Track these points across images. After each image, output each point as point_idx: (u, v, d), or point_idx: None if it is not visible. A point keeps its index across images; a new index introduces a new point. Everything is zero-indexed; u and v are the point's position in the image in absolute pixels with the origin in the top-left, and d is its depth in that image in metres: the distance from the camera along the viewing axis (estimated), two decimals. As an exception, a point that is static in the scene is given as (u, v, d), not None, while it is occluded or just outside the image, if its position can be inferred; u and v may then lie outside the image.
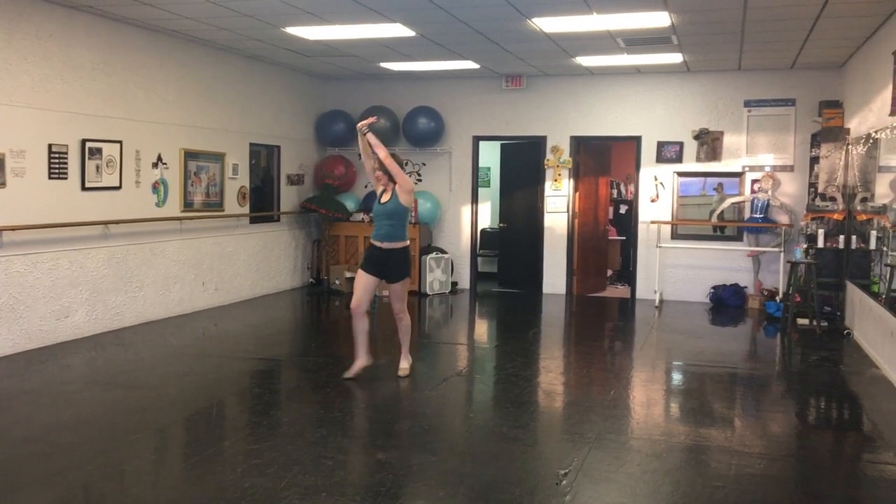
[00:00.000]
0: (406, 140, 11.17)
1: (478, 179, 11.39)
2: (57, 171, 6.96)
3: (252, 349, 7.26)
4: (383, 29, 7.68)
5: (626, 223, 11.79)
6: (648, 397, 5.95)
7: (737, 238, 10.28)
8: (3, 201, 6.44)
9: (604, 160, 11.45)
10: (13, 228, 6.48)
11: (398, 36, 8.01)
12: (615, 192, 12.46)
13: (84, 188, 7.24)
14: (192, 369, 6.36)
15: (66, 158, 7.05)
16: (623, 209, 12.35)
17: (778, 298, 9.49)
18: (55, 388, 5.82)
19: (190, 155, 8.69)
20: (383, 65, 9.96)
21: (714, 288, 10.22)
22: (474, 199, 11.27)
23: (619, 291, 11.41)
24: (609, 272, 11.89)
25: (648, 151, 10.50)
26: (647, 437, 4.89)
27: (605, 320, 9.71)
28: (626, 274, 11.59)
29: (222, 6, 6.89)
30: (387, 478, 4.08)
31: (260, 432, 4.91)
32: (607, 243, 11.70)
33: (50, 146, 6.89)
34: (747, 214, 10.04)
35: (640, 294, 10.63)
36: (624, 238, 12.03)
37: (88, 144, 7.26)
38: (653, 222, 10.40)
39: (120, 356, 6.84)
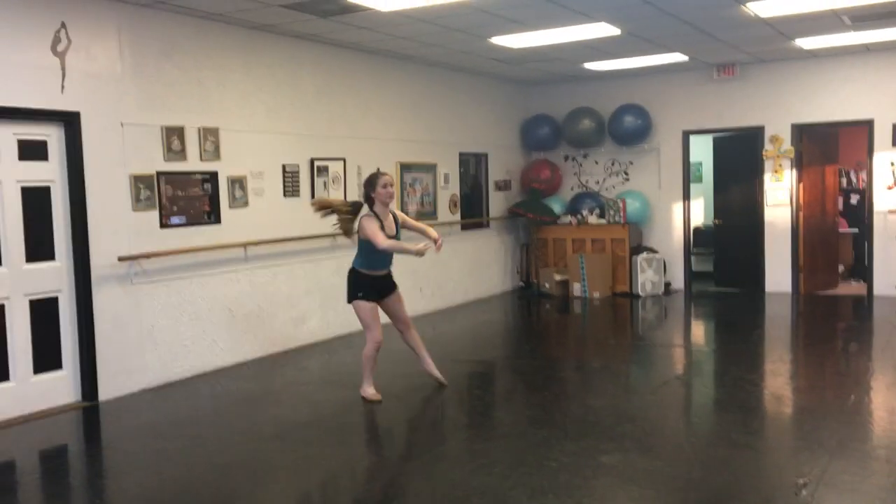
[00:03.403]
0: (612, 139, 11.02)
1: (689, 175, 10.99)
2: (290, 189, 7.59)
3: (468, 352, 7.48)
4: (588, 30, 7.64)
5: (859, 214, 10.86)
6: (894, 403, 5.45)
7: None
8: (246, 219, 7.12)
9: (830, 147, 10.63)
10: (256, 243, 7.15)
11: (603, 35, 7.92)
12: (844, 180, 11.51)
13: (314, 204, 7.85)
14: (415, 371, 6.64)
15: (297, 177, 7.67)
16: (854, 199, 11.38)
17: None
18: (296, 389, 6.35)
19: (405, 167, 9.13)
20: (587, 65, 9.90)
21: (968, 282, 9.15)
22: (686, 196, 10.87)
23: (852, 288, 10.52)
24: (840, 268, 11.00)
25: (882, 135, 9.60)
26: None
27: (837, 320, 9.00)
28: (861, 269, 10.67)
29: (433, 23, 7.18)
30: (613, 482, 4.06)
31: (483, 433, 5.06)
32: (837, 237, 10.83)
33: (284, 167, 7.53)
34: None
35: (877, 290, 9.73)
36: (856, 230, 11.09)
37: (316, 163, 7.85)
38: (890, 212, 9.50)
39: (350, 359, 7.31)
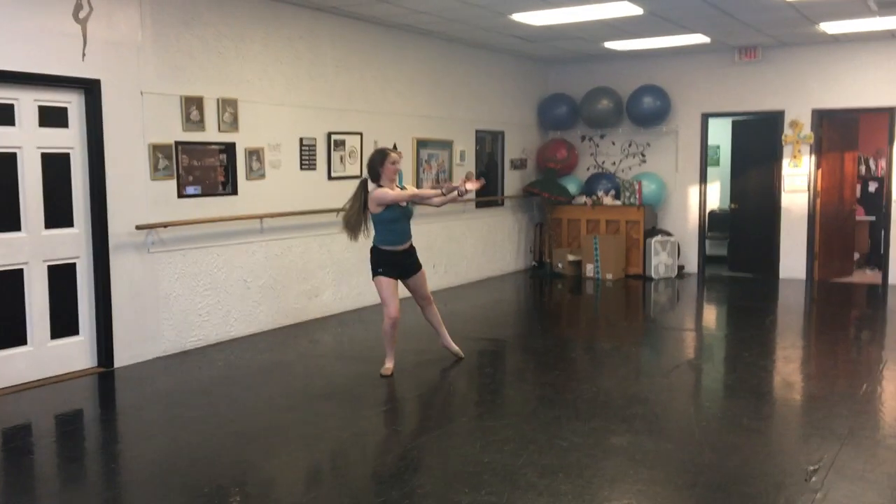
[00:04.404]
0: (630, 120, 10.95)
1: (706, 158, 10.92)
2: (307, 162, 7.60)
3: (480, 329, 7.50)
4: (610, 8, 7.56)
5: (877, 202, 10.78)
6: (907, 393, 5.44)
7: None
8: (263, 191, 7.13)
9: (850, 134, 10.53)
10: (272, 216, 7.17)
11: (625, 15, 7.85)
12: (863, 168, 11.41)
13: (330, 178, 7.84)
14: (427, 347, 6.67)
15: (314, 151, 7.67)
16: (872, 187, 11.29)
17: None
18: (309, 361, 6.39)
19: (421, 143, 9.11)
20: (607, 45, 9.81)
21: (985, 274, 9.09)
22: (702, 180, 10.81)
23: (867, 277, 10.47)
24: (856, 255, 10.94)
25: (904, 123, 9.51)
26: (908, 436, 4.49)
27: (851, 308, 8.96)
28: (877, 258, 10.61)
29: (453, -2, 7.13)
30: (623, 463, 4.08)
31: (494, 410, 5.09)
32: (854, 224, 10.76)
33: (301, 140, 7.53)
34: None
35: (893, 279, 9.68)
36: (873, 218, 11.01)
37: (333, 137, 7.84)
38: (909, 201, 9.42)
39: (362, 333, 7.36)
